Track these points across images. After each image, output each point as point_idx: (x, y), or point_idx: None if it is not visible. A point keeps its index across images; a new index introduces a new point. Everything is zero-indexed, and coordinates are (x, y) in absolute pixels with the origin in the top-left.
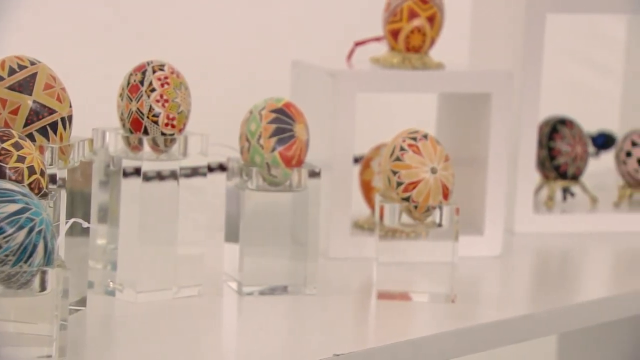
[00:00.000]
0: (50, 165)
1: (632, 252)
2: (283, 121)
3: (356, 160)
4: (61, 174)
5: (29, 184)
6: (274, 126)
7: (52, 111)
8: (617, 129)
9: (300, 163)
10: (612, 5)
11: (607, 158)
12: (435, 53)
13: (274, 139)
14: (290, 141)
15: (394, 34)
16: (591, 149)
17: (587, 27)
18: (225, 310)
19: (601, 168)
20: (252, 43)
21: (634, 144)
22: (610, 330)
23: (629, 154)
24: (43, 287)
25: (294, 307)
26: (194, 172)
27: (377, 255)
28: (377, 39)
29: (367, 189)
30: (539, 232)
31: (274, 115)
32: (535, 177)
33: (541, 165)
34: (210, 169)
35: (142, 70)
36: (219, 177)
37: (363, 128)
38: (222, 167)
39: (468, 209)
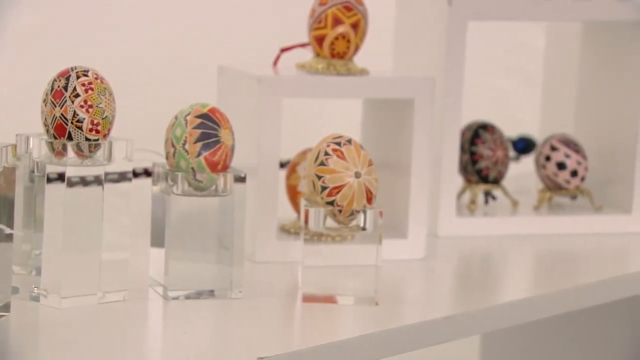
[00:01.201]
0: None
1: (551, 253)
2: (208, 126)
3: (283, 165)
4: None
5: None
6: (199, 131)
7: None
8: (537, 133)
9: (225, 168)
10: (531, 13)
11: (528, 162)
12: (361, 59)
13: (199, 144)
14: (215, 146)
15: (319, 40)
16: (512, 153)
17: (508, 34)
18: (151, 315)
19: (522, 172)
20: (178, 48)
21: (553, 148)
22: (531, 330)
23: (548, 158)
24: None
25: (220, 311)
26: (120, 177)
27: (303, 259)
28: (303, 45)
29: (294, 194)
30: (462, 235)
31: (199, 120)
32: (458, 181)
33: (463, 169)
34: (136, 174)
35: (66, 75)
36: (144, 182)
37: (290, 133)
38: (147, 173)
39: (392, 212)
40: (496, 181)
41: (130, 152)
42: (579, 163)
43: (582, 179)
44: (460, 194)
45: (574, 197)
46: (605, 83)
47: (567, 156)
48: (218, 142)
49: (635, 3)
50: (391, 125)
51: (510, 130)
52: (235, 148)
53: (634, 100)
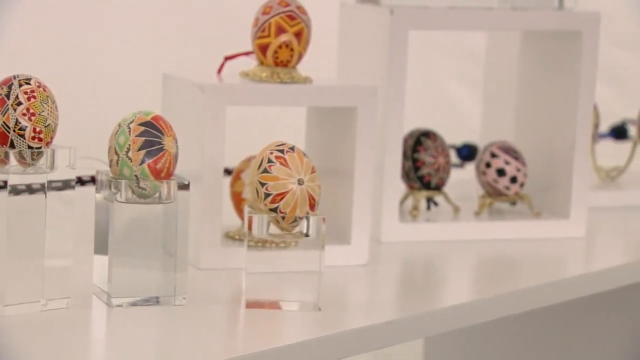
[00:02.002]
0: None
1: (492, 258)
2: (152, 134)
3: (228, 172)
4: None
5: None
6: (142, 139)
7: None
8: (479, 141)
9: (169, 175)
10: (471, 23)
11: (471, 169)
12: (306, 68)
13: (142, 152)
14: (159, 154)
15: (263, 49)
16: (456, 160)
17: (451, 42)
18: (94, 323)
19: (464, 178)
20: (122, 56)
21: (493, 155)
22: (474, 333)
23: (488, 165)
24: None
25: (164, 318)
26: (63, 185)
27: (246, 266)
28: (247, 54)
29: (238, 201)
30: (405, 241)
31: (142, 128)
32: (401, 187)
33: (406, 176)
34: (83, 181)
35: (8, 84)
36: (88, 190)
37: (235, 140)
38: (94, 180)
39: (336, 219)
40: (438, 188)
41: (74, 160)
42: (518, 170)
43: (522, 185)
44: (402, 200)
45: (513, 203)
46: (543, 91)
47: (507, 163)
48: (161, 149)
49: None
50: (335, 132)
51: (455, 137)
52: (179, 155)
53: (570, 108)
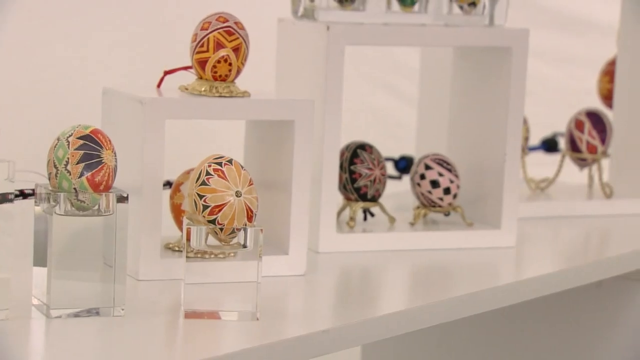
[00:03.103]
0: None
1: (426, 267)
2: (91, 147)
3: (168, 184)
4: None
5: None
6: (81, 152)
7: None
8: (414, 153)
9: (108, 188)
10: (405, 39)
11: (407, 180)
12: (245, 82)
13: (81, 165)
14: (98, 167)
15: (202, 63)
16: (393, 172)
17: (387, 56)
18: (34, 334)
19: (401, 190)
20: (62, 70)
21: (427, 167)
22: (409, 340)
23: (422, 177)
24: None
25: (103, 329)
26: (2, 198)
27: (185, 276)
28: (186, 68)
29: (178, 213)
30: (342, 251)
31: (81, 141)
32: (338, 199)
33: (343, 187)
34: (25, 195)
35: None
36: (28, 203)
37: (176, 153)
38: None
39: (274, 230)
40: (374, 199)
41: (12, 173)
42: (451, 181)
43: (455, 196)
44: (340, 212)
45: (447, 214)
46: (475, 105)
47: (441, 175)
48: (100, 162)
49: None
50: (273, 145)
51: (393, 149)
52: (118, 168)
53: (501, 121)
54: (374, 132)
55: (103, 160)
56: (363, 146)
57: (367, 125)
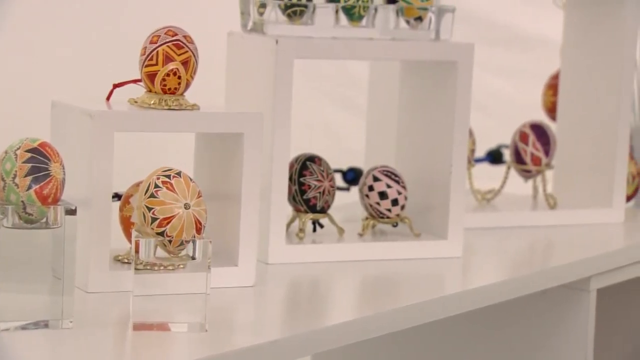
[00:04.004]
0: None
1: (375, 278)
2: (38, 160)
3: (117, 196)
4: None
5: None
6: (29, 165)
7: None
8: (363, 165)
9: (56, 201)
10: (353, 53)
11: (356, 191)
12: (195, 95)
13: (29, 178)
14: (45, 180)
15: (151, 77)
16: (342, 183)
17: (336, 70)
18: None
19: (350, 201)
20: (11, 83)
21: (375, 179)
22: (359, 350)
23: (371, 188)
24: None
25: (51, 342)
26: None
27: (133, 288)
28: (135, 81)
29: (127, 225)
30: (291, 262)
31: (29, 154)
32: (287, 210)
33: (292, 199)
34: None
35: None
36: None
37: (126, 165)
38: None
39: (224, 241)
40: (323, 210)
41: None
42: (399, 193)
43: (402, 207)
44: (289, 223)
45: (395, 225)
46: (422, 117)
47: (389, 186)
48: (48, 175)
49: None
50: (222, 157)
51: (342, 161)
52: (66, 181)
53: (447, 133)
54: (323, 144)
55: (51, 173)
56: (312, 158)
57: (317, 138)
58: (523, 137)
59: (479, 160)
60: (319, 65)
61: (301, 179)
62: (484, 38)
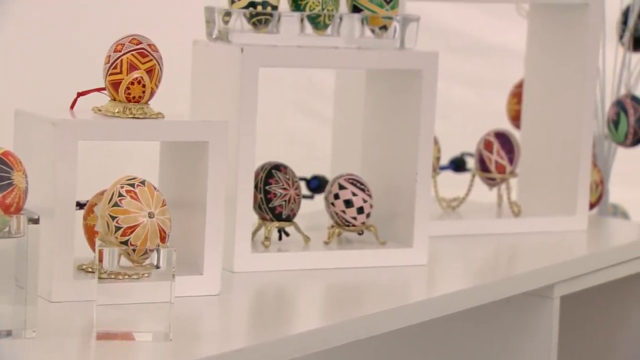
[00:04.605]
0: None
1: (340, 286)
2: (1, 169)
3: (81, 205)
4: None
5: None
6: None
7: None
8: (329, 173)
9: (19, 210)
10: (318, 61)
11: (321, 199)
12: (161, 104)
13: None
14: (8, 189)
15: (115, 85)
16: (306, 191)
17: (302, 78)
18: None
19: (315, 209)
20: None
21: (341, 187)
22: (324, 358)
23: (336, 196)
24: None
25: (14, 351)
26: None
27: (97, 298)
28: (99, 90)
29: (91, 234)
30: (257, 271)
31: None
32: (253, 218)
33: (258, 207)
34: None
35: None
36: None
37: (90, 174)
38: None
39: (189, 250)
40: (289, 218)
41: None
42: (364, 201)
43: (368, 215)
44: (255, 231)
45: (360, 233)
46: (388, 126)
47: (354, 194)
48: (11, 184)
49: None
50: (187, 166)
51: (308, 169)
52: (30, 190)
53: (412, 142)
54: (290, 153)
55: (13, 182)
56: (278, 166)
57: (284, 147)
58: (487, 145)
59: (443, 168)
60: (285, 74)
61: (267, 187)
62: (449, 47)
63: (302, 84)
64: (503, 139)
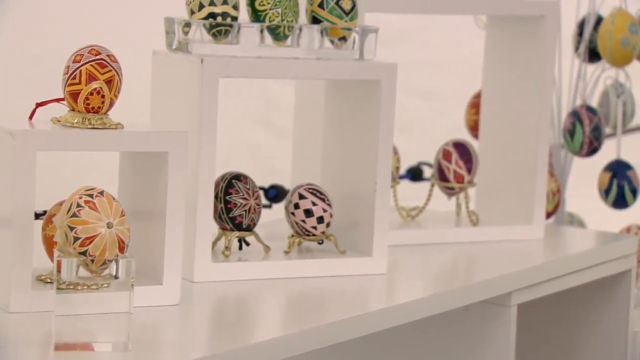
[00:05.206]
0: None
1: (301, 295)
2: None
3: (39, 216)
4: None
5: None
6: None
7: None
8: (290, 183)
9: None
10: (278, 71)
11: (281, 209)
12: (121, 114)
13: None
14: None
15: (74, 95)
16: (264, 201)
17: (262, 89)
18: None
19: (276, 219)
20: None
21: (301, 196)
22: None
23: (296, 206)
24: None
25: None
26: None
27: (56, 308)
28: (58, 100)
29: (50, 244)
30: (218, 280)
31: None
32: (213, 228)
33: (218, 217)
34: None
35: None
36: None
37: (50, 184)
38: None
39: (148, 260)
40: (249, 228)
41: None
42: (324, 210)
43: (328, 225)
44: (215, 241)
45: (320, 242)
46: (347, 136)
47: (314, 204)
48: None
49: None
50: (147, 176)
51: (268, 180)
52: None
53: (371, 151)
54: (251, 163)
55: None
56: (238, 176)
57: (245, 157)
58: (446, 155)
59: (400, 178)
60: (245, 87)
61: (227, 197)
62: (408, 58)
63: (263, 98)
64: (461, 149)
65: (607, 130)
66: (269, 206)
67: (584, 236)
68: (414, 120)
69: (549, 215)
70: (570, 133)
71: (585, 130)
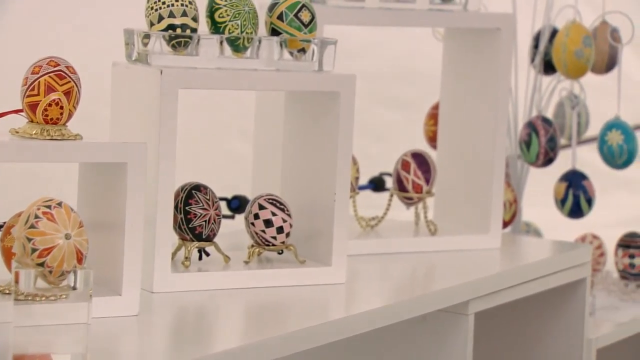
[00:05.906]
0: None
1: (260, 304)
2: None
3: None
4: None
5: None
6: None
7: None
8: (250, 193)
9: None
10: (237, 82)
11: (242, 219)
12: (81, 125)
13: None
14: None
15: (32, 107)
16: (227, 211)
17: (223, 99)
18: None
19: (236, 229)
20: None
21: (260, 207)
22: None
23: (256, 216)
24: None
25: None
26: None
27: (14, 319)
28: (17, 112)
29: (8, 255)
30: (177, 291)
31: None
32: (173, 239)
33: (178, 228)
34: None
35: None
36: None
37: (8, 196)
38: None
39: (107, 271)
40: (209, 238)
41: None
42: (284, 220)
43: (288, 235)
44: (175, 251)
45: (280, 252)
46: (306, 146)
47: (274, 214)
48: None
49: None
50: (106, 187)
51: (230, 190)
52: None
53: (330, 162)
54: (212, 173)
55: None
56: (198, 187)
57: (206, 167)
58: (405, 165)
59: (362, 188)
60: (205, 95)
61: (187, 208)
62: (367, 70)
63: (223, 104)
64: (420, 159)
65: (563, 141)
66: (232, 217)
67: (540, 245)
68: (377, 129)
69: (505, 224)
70: (527, 144)
71: (541, 140)
